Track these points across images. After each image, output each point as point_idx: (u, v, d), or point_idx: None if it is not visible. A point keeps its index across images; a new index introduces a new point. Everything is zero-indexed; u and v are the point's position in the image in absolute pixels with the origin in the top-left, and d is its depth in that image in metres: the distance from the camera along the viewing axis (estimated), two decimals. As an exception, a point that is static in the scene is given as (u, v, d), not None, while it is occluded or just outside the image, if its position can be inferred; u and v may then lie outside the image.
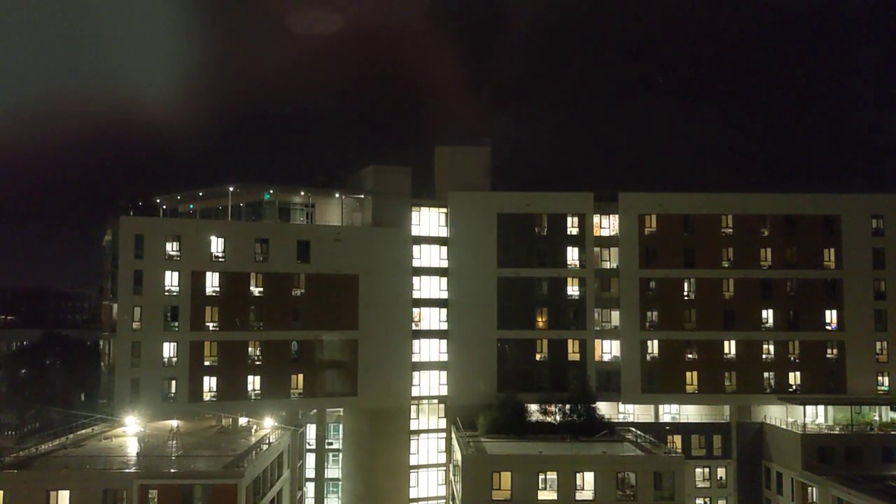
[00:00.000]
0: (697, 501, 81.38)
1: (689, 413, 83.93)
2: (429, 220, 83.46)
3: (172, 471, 57.86)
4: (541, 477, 63.71)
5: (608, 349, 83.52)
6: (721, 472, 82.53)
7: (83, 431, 71.03)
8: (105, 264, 78.14)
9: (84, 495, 54.62)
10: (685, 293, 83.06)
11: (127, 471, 57.31)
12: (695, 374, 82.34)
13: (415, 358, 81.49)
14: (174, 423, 72.49)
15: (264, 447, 66.15)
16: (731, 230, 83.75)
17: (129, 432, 70.33)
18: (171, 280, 71.94)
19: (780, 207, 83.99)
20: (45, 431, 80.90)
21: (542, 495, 63.33)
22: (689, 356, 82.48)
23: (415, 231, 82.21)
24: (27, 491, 54.66)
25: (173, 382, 71.57)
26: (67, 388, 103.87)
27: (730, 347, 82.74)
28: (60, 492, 54.75)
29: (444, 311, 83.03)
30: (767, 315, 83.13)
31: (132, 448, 65.57)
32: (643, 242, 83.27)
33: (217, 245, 73.93)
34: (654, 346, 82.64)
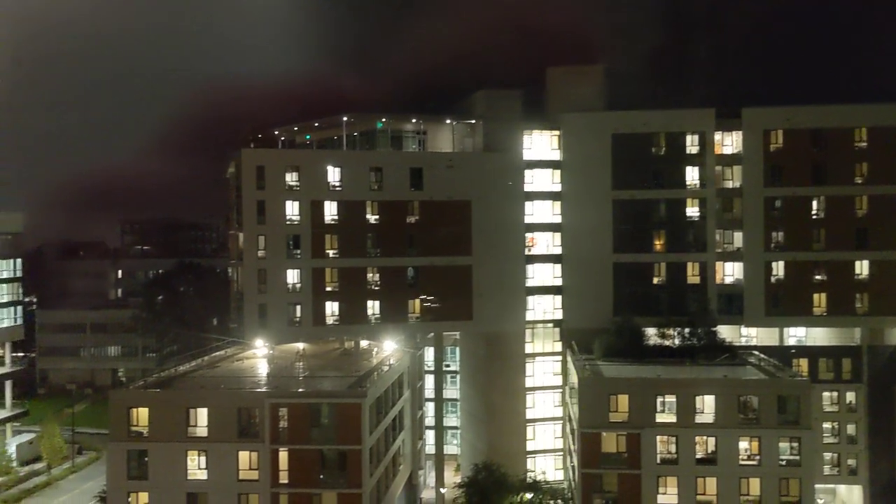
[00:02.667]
0: (825, 426, 78.99)
1: (817, 336, 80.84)
2: (541, 144, 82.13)
3: (300, 390, 60.84)
4: (659, 400, 63.21)
5: (730, 271, 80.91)
6: (850, 397, 79.52)
7: (217, 353, 75.44)
8: (230, 196, 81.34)
9: (220, 413, 58.27)
10: (813, 212, 78.98)
11: (259, 390, 60.69)
12: (823, 295, 78.81)
13: (529, 283, 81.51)
14: (300, 345, 75.98)
15: (385, 369, 68.46)
16: (865, 144, 78.46)
17: (259, 354, 74.20)
18: (292, 209, 74.18)
19: (921, 118, 77.84)
20: (183, 354, 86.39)
21: (660, 418, 62.95)
22: (818, 277, 78.89)
23: (527, 155, 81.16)
24: (169, 409, 58.78)
25: (298, 307, 74.47)
26: (201, 314, 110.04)
27: (862, 268, 78.53)
28: (199, 409, 58.61)
29: (557, 235, 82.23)
30: (905, 233, 78.13)
31: (262, 369, 69.25)
32: (768, 159, 79.26)
33: (334, 174, 75.42)
34: (779, 268, 79.43)
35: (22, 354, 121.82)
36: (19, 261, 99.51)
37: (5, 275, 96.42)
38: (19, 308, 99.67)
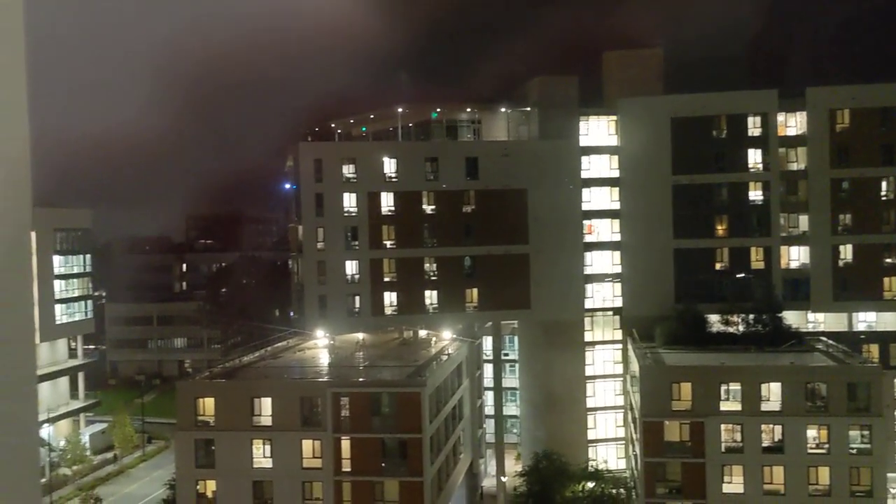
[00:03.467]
0: (897, 414, 76.52)
1: (887, 321, 78.16)
2: (598, 130, 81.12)
3: (361, 380, 61.49)
4: (723, 388, 62.10)
5: (795, 256, 78.85)
6: (924, 384, 76.79)
7: (279, 344, 76.74)
8: (289, 189, 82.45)
9: (283, 402, 59.25)
10: (883, 193, 76.37)
11: (321, 380, 61.54)
12: (894, 279, 76.23)
13: (587, 270, 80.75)
14: (360, 335, 76.73)
15: (444, 358, 68.69)
16: (937, 121, 75.53)
17: (320, 344, 75.21)
18: (350, 201, 74.84)
19: None
20: (246, 345, 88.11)
21: (724, 406, 61.86)
22: (888, 260, 76.31)
23: (583, 141, 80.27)
24: (234, 399, 59.98)
25: (357, 298, 75.20)
26: (263, 305, 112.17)
27: (936, 250, 75.78)
28: (263, 399, 59.67)
29: (616, 222, 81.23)
30: (981, 214, 75.03)
31: (324, 359, 70.19)
32: (834, 140, 76.85)
33: (390, 166, 75.80)
34: (847, 251, 77.08)
35: (93, 347, 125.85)
36: (89, 256, 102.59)
37: (76, 270, 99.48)
38: (90, 302, 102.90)
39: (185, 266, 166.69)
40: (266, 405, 59.57)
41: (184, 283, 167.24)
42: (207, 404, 60.30)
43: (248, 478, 59.02)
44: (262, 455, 59.27)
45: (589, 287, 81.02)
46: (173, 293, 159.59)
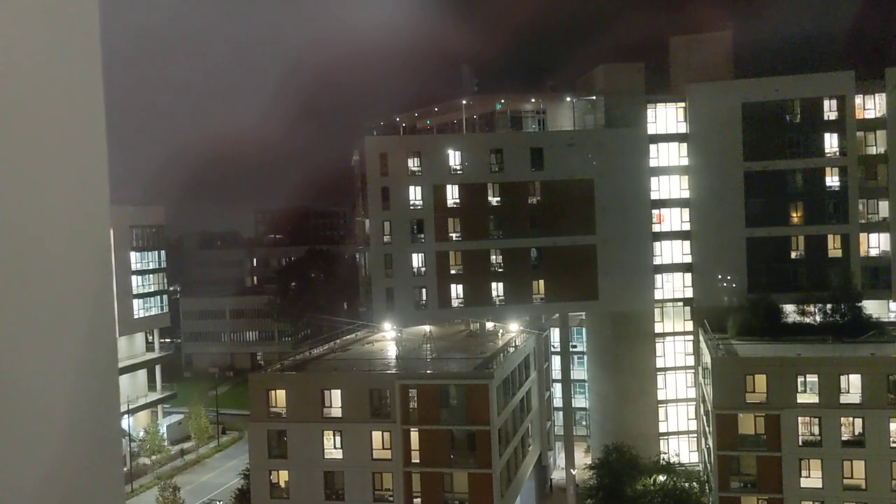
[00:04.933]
0: None
1: (977, 310, 74.87)
2: (665, 117, 79.49)
3: (429, 372, 61.77)
4: (799, 379, 60.33)
5: (875, 243, 75.98)
6: None
7: (348, 337, 77.73)
8: (355, 183, 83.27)
9: (353, 394, 59.97)
10: (970, 176, 72.97)
11: (389, 372, 62.08)
12: (984, 266, 72.86)
13: (656, 260, 79.33)
14: (427, 328, 77.11)
15: (511, 350, 68.49)
16: None
17: (388, 337, 75.87)
18: (415, 194, 75.12)
19: None
20: (316, 337, 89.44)
21: (801, 398, 60.09)
22: (976, 247, 72.94)
23: (651, 129, 78.77)
24: (305, 391, 60.96)
25: (423, 290, 75.53)
26: (331, 298, 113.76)
27: None
28: (333, 391, 60.51)
29: (685, 210, 79.54)
30: None
31: (391, 351, 70.77)
32: (916, 122, 73.71)
33: (454, 158, 75.79)
34: (931, 238, 73.93)
35: (169, 340, 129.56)
36: (163, 252, 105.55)
37: (151, 266, 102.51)
38: (165, 297, 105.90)
39: (255, 260, 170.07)
40: (336, 397, 60.35)
41: (254, 278, 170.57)
42: (279, 396, 61.42)
43: (319, 468, 59.95)
44: (332, 446, 60.10)
45: (658, 277, 79.61)
46: (244, 287, 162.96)
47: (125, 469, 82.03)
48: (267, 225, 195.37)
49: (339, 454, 59.99)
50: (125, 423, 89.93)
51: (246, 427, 77.63)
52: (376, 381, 60.75)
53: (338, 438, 60.05)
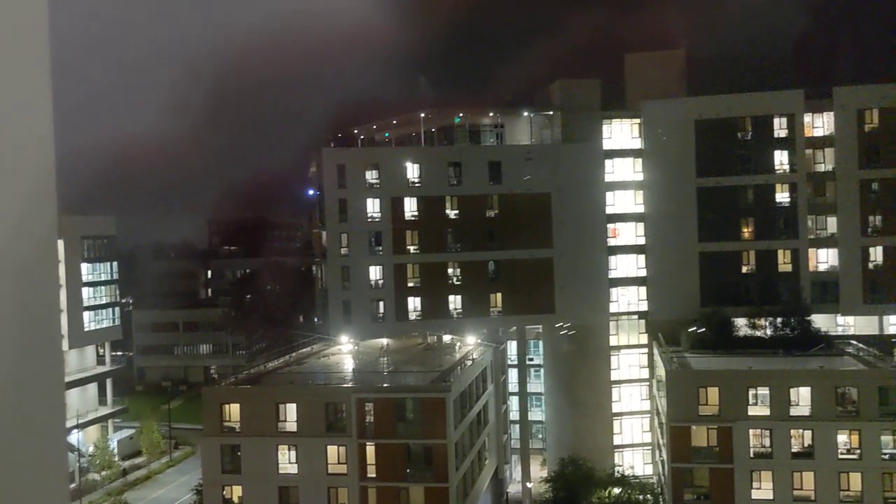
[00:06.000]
0: (931, 418, 75.12)
1: (920, 324, 76.98)
2: (621, 133, 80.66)
3: (385, 385, 61.45)
4: (751, 392, 61.33)
5: (824, 258, 77.82)
6: (958, 388, 75.38)
7: (304, 350, 76.99)
8: (313, 195, 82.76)
9: (308, 408, 59.35)
10: (914, 194, 75.19)
11: (345, 386, 61.64)
12: (926, 282, 75.01)
13: (612, 274, 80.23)
14: (384, 341, 76.76)
15: (468, 363, 68.48)
16: (969, 120, 74.24)
17: (344, 350, 75.35)
18: (373, 207, 74.97)
19: None
20: (271, 351, 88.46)
21: (752, 411, 61.05)
22: (920, 263, 75.11)
23: (607, 145, 79.86)
24: (260, 404, 60.19)
25: (381, 303, 75.27)
26: (287, 311, 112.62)
27: (968, 252, 74.43)
28: (288, 405, 59.83)
29: (640, 225, 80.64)
30: None
31: (348, 365, 70.28)
32: (863, 140, 75.77)
33: (413, 171, 75.84)
34: (877, 253, 75.91)
35: (120, 353, 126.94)
36: (115, 263, 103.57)
37: (103, 277, 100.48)
38: (117, 309, 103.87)
39: (209, 272, 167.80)
40: (291, 411, 59.71)
41: (209, 290, 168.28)
42: (233, 410, 60.56)
43: (273, 483, 59.15)
44: (287, 461, 59.37)
45: (614, 291, 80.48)
46: (198, 299, 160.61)
47: (73, 485, 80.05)
48: (222, 236, 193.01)
49: (293, 469, 59.27)
50: (74, 438, 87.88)
51: (199, 442, 76.37)
52: (332, 394, 60.25)
53: (293, 453, 59.35)
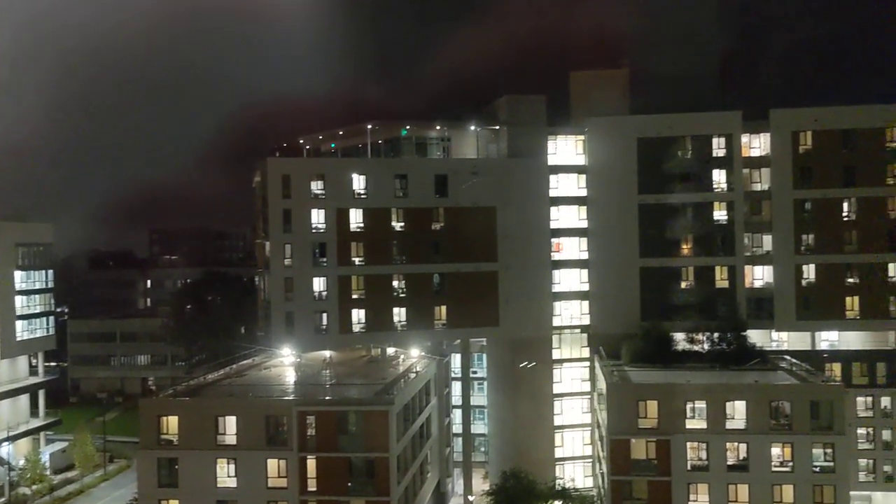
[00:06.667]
0: (860, 431, 77.58)
1: (850, 340, 79.41)
2: (566, 149, 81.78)
3: (328, 398, 60.96)
4: (689, 405, 62.47)
5: (759, 275, 79.90)
6: (886, 402, 78.00)
7: (245, 362, 75.91)
8: (256, 204, 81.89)
9: (249, 421, 58.56)
10: (845, 214, 77.82)
11: (287, 398, 60.94)
12: (856, 298, 77.55)
13: (555, 288, 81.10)
14: (327, 353, 76.24)
15: (412, 376, 68.40)
16: (896, 144, 77.31)
17: (286, 362, 74.54)
18: (318, 218, 74.49)
19: (954, 116, 76.52)
20: (211, 362, 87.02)
21: (690, 424, 62.21)
22: (850, 280, 77.64)
23: (552, 160, 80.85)
24: (199, 417, 59.17)
25: (324, 315, 74.72)
26: (228, 322, 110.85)
27: (895, 270, 77.21)
28: (228, 417, 58.96)
29: (583, 240, 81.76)
30: (940, 234, 76.79)
31: (290, 377, 69.53)
32: (797, 161, 78.25)
33: (359, 182, 75.65)
34: (810, 271, 78.32)
35: (54, 364, 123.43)
36: (51, 272, 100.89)
37: (37, 286, 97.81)
38: (51, 318, 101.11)
39: (149, 282, 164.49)
40: (231, 424, 58.86)
41: (148, 299, 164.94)
42: (171, 422, 59.45)
43: (212, 497, 58.24)
44: (226, 475, 58.49)
45: (557, 305, 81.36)
46: (137, 309, 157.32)
47: (2, 500, 77.47)
48: (162, 245, 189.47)
49: (232, 483, 58.39)
50: (4, 451, 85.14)
51: (135, 455, 74.62)
52: (273, 407, 59.52)
53: (232, 466, 58.47)
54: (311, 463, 57.95)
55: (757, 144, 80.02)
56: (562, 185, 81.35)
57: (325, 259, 74.56)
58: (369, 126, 77.87)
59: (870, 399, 77.99)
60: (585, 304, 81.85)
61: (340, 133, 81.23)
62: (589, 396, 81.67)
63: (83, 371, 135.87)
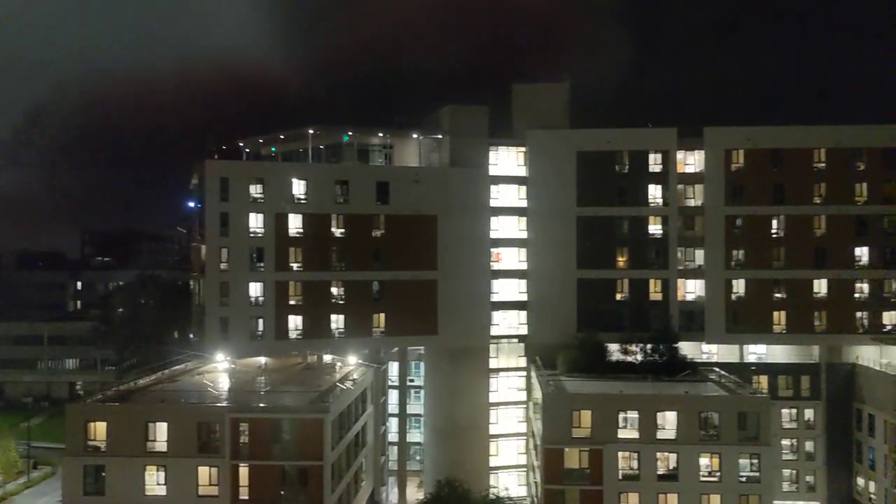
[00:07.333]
0: (784, 442, 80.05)
1: (776, 353, 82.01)
2: (507, 160, 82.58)
3: (262, 405, 60.14)
4: (621, 416, 63.54)
5: (692, 289, 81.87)
6: (809, 414, 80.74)
7: (177, 367, 74.34)
8: (193, 207, 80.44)
9: (180, 427, 57.38)
10: (773, 230, 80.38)
11: (219, 405, 59.89)
12: (783, 313, 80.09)
13: (494, 297, 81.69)
14: (262, 360, 75.19)
15: (348, 384, 67.96)
16: (823, 164, 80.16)
17: (220, 368, 73.26)
18: (256, 222, 73.59)
19: (877, 140, 79.77)
20: (142, 367, 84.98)
21: (622, 434, 63.26)
22: (777, 295, 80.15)
23: (493, 171, 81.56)
24: (128, 423, 57.76)
25: (260, 321, 73.75)
26: (161, 327, 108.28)
27: (820, 286, 79.99)
28: (158, 424, 57.69)
29: (523, 251, 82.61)
30: (862, 252, 79.86)
31: (223, 384, 68.35)
32: (730, 179, 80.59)
33: (299, 187, 75.02)
34: (739, 286, 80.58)
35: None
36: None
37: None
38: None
39: (79, 284, 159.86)
40: (161, 430, 57.61)
41: (78, 302, 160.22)
42: (99, 428, 57.93)
43: (139, 506, 56.83)
44: (155, 482, 57.21)
45: (495, 314, 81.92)
46: (66, 312, 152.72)
47: (-86, 510, 74.13)
48: (95, 247, 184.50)
49: (161, 491, 57.12)
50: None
51: (60, 461, 72.35)
52: (205, 413, 58.46)
53: (161, 474, 57.20)
54: (244, 471, 57.08)
55: (692, 161, 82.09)
56: (502, 195, 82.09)
57: (262, 264, 73.67)
58: (311, 131, 77.37)
59: (794, 411, 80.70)
60: (523, 314, 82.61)
61: (281, 137, 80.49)
62: (525, 406, 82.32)
63: (8, 375, 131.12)
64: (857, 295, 79.74)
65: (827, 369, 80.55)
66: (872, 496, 75.67)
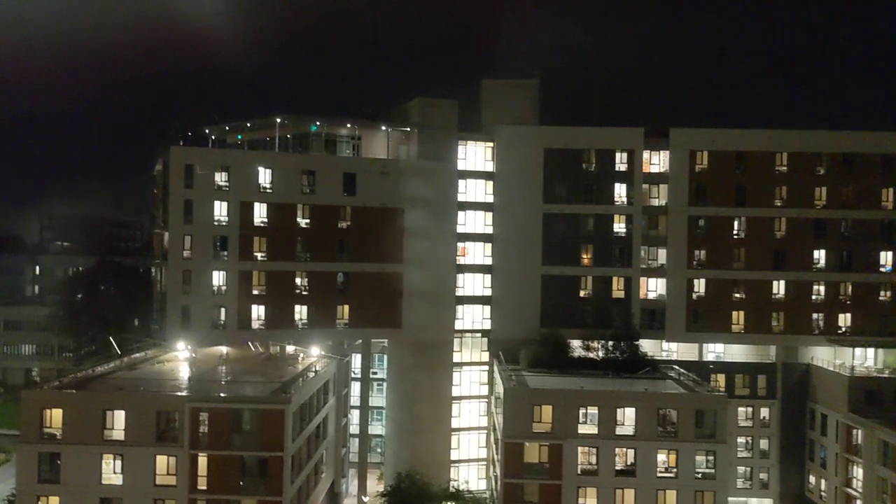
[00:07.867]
0: (739, 440, 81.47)
1: (734, 353, 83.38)
2: (475, 155, 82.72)
3: (222, 395, 59.75)
4: (581, 411, 64.24)
5: (653, 287, 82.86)
6: (764, 413, 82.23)
7: (137, 355, 73.53)
8: (156, 193, 79.46)
9: (138, 416, 56.83)
10: (735, 232, 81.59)
11: (179, 394, 59.41)
12: (741, 313, 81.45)
13: (459, 292, 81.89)
14: (223, 349, 74.62)
15: (311, 375, 67.79)
16: (785, 168, 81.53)
17: (181, 357, 72.58)
18: (221, 210, 72.89)
19: (837, 146, 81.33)
20: (101, 354, 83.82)
21: (582, 429, 63.97)
22: (737, 295, 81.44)
23: (461, 165, 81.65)
24: (85, 410, 57.06)
25: (223, 310, 73.12)
26: (121, 314, 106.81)
27: (778, 288, 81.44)
28: (116, 412, 57.12)
29: (489, 245, 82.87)
30: (819, 255, 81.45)
31: (184, 372, 67.76)
32: (693, 179, 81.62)
33: (265, 176, 74.44)
34: (700, 285, 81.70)
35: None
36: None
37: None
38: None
39: (38, 268, 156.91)
40: (119, 418, 57.02)
41: (36, 287, 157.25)
42: (55, 416, 57.16)
43: (95, 494, 56.40)
44: (111, 471, 56.72)
45: (460, 308, 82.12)
46: (24, 296, 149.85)
47: None
48: (54, 231, 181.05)
49: (118, 479, 56.60)
50: None
51: (15, 449, 71.12)
52: (164, 402, 57.95)
53: (118, 463, 56.68)
54: (203, 460, 56.74)
55: (657, 161, 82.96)
56: (470, 190, 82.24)
57: (226, 253, 73.01)
58: (278, 119, 76.79)
59: (750, 409, 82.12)
60: (487, 308, 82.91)
61: (248, 125, 79.73)
62: (487, 400, 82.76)
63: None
64: (813, 297, 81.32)
65: (783, 369, 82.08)
66: (823, 494, 77.43)
